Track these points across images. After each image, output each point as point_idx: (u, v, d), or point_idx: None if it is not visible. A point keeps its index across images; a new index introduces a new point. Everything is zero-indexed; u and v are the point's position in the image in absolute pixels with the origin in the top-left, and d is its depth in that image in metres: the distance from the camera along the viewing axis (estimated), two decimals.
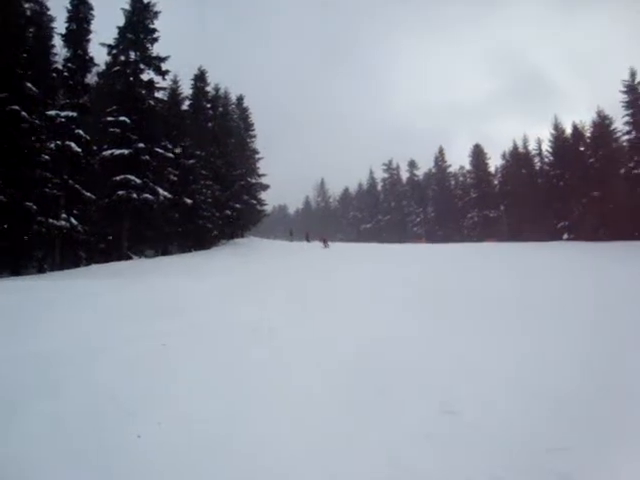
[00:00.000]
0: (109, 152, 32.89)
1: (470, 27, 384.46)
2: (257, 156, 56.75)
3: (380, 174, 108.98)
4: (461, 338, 8.77)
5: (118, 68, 35.55)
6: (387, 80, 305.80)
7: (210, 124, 46.86)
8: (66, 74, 30.85)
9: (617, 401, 5.67)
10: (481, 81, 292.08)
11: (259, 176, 56.12)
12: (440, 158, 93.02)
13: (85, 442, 4.81)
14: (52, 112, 29.22)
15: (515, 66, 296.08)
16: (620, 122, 52.60)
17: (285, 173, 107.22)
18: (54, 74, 31.07)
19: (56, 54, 32.27)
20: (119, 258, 31.45)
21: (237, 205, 48.24)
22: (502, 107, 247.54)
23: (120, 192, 32.29)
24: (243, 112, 56.17)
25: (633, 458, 4.43)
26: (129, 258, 32.59)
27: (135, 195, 32.58)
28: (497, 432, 4.97)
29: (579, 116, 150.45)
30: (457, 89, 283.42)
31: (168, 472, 4.31)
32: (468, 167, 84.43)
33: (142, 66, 36.08)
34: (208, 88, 48.39)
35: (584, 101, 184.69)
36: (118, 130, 33.43)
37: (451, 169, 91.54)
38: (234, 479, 4.19)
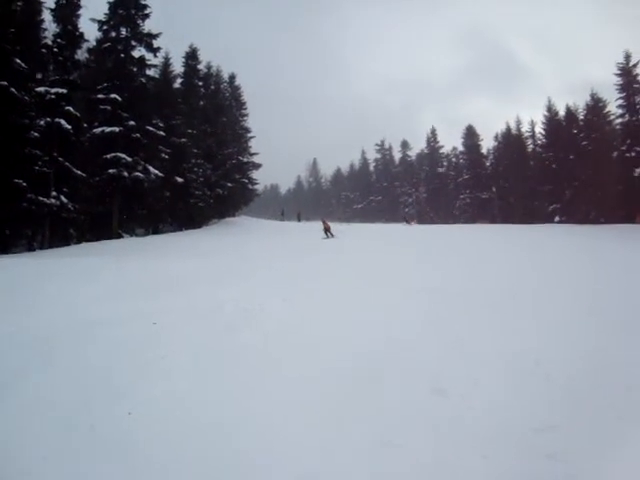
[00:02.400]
0: (100, 130, 32.67)
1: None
2: (249, 135, 56.25)
3: (372, 154, 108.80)
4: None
5: (109, 44, 35.15)
6: (351, 58, 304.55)
7: (202, 102, 46.51)
8: (56, 50, 30.48)
9: (610, 382, 5.74)
10: (447, 58, 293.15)
11: (251, 155, 55.61)
12: (432, 139, 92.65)
13: (76, 415, 4.88)
14: (41, 88, 28.90)
15: (482, 43, 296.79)
16: (614, 105, 52.56)
17: (277, 152, 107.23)
18: (43, 50, 30.57)
19: (45, 29, 31.66)
20: (110, 237, 31.40)
21: (229, 184, 47.94)
22: (470, 85, 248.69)
23: (111, 170, 32.16)
24: (235, 90, 55.58)
25: (622, 438, 4.49)
26: (120, 237, 32.57)
27: (126, 173, 32.46)
28: (486, 412, 5.02)
29: (546, 95, 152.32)
30: (423, 67, 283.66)
31: (157, 446, 4.38)
32: (461, 148, 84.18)
33: (133, 43, 35.73)
34: (200, 66, 47.89)
35: (553, 79, 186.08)
36: (109, 107, 33.17)
37: (443, 150, 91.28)
38: (224, 457, 4.23)
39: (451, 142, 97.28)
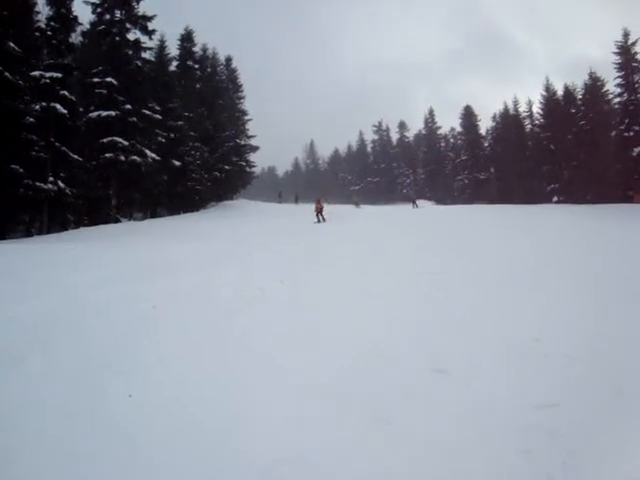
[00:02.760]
0: (96, 114, 32.55)
1: None
2: (246, 117, 56.16)
3: (370, 135, 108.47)
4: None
5: (103, 27, 34.91)
6: (347, 40, 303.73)
7: (198, 85, 46.29)
8: (49, 33, 30.24)
9: (610, 360, 5.78)
10: (441, 39, 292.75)
11: (248, 137, 55.55)
12: (430, 119, 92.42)
13: (76, 399, 4.92)
14: (36, 73, 28.69)
15: (472, 23, 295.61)
16: (612, 84, 52.28)
17: (275, 135, 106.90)
18: (37, 33, 30.37)
19: (39, 12, 31.37)
20: (107, 221, 31.43)
21: (226, 167, 47.90)
22: (464, 65, 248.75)
23: (108, 154, 32.10)
24: (232, 73, 55.27)
25: (622, 415, 4.54)
26: (117, 221, 32.60)
27: (123, 157, 32.42)
28: (487, 390, 5.06)
29: (541, 75, 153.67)
30: (418, 48, 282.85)
31: (158, 429, 4.43)
32: (459, 129, 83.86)
33: (128, 25, 35.55)
34: (195, 48, 47.56)
35: (548, 58, 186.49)
36: (104, 91, 33.02)
37: (441, 131, 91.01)
38: (223, 440, 4.28)
39: (445, 123, 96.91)
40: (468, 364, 5.73)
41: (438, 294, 9.11)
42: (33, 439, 4.24)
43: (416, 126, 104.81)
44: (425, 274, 11.01)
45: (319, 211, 28.57)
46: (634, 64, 49.53)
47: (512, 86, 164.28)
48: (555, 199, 54.92)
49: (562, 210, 35.82)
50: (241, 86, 55.80)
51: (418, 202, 47.91)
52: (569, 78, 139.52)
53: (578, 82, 57.07)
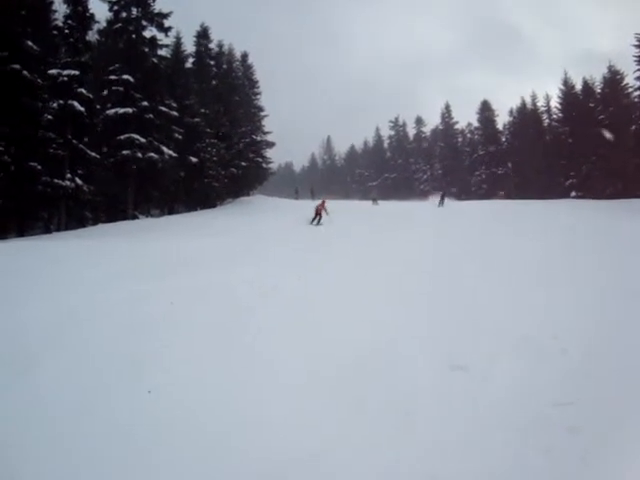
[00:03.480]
0: (113, 111, 32.70)
1: None
2: (262, 113, 55.97)
3: (386, 131, 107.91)
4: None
5: (120, 25, 35.04)
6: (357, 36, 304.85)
7: (214, 82, 46.35)
8: (67, 32, 30.42)
9: (626, 357, 5.69)
10: (444, 32, 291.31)
11: (264, 134, 55.39)
12: (447, 114, 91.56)
13: (94, 396, 4.92)
14: (53, 71, 28.88)
15: (480, 16, 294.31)
16: (631, 77, 51.52)
17: (291, 131, 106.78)
18: (54, 32, 30.64)
19: (56, 11, 31.68)
20: (125, 218, 31.61)
21: (243, 163, 47.95)
22: (469, 59, 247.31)
23: (125, 152, 32.23)
24: (247, 69, 55.21)
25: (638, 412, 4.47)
26: (135, 218, 32.78)
27: (140, 154, 32.54)
28: (505, 387, 5.01)
29: (553, 68, 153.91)
30: (427, 43, 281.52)
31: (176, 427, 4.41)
32: (476, 124, 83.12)
33: (144, 23, 35.59)
34: (211, 45, 47.66)
35: (556, 51, 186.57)
36: (121, 89, 33.15)
37: (458, 126, 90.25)
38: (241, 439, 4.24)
39: (459, 118, 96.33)
40: (485, 360, 5.67)
41: (453, 291, 9.05)
42: (43, 441, 4.22)
43: (431, 121, 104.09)
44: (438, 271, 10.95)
45: (318, 212, 25.25)
46: None
47: (523, 80, 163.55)
48: (573, 194, 54.27)
49: (581, 205, 35.47)
50: (257, 82, 55.73)
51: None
52: (580, 71, 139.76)
53: (595, 75, 56.45)
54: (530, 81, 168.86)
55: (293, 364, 5.77)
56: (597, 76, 55.88)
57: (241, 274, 10.91)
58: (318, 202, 27.56)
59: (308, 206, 40.76)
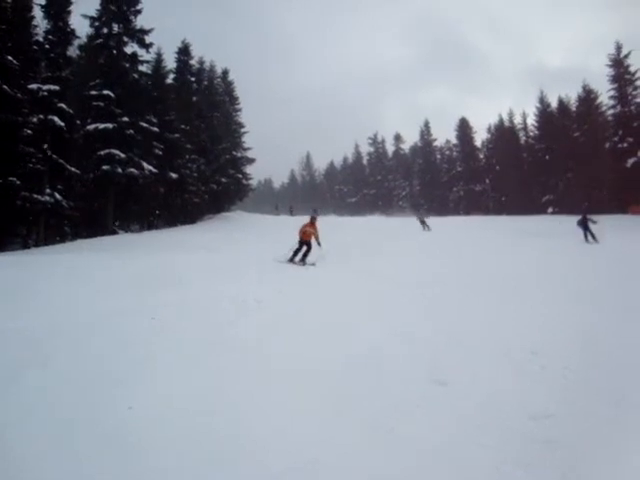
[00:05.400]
0: (93, 126, 32.62)
1: None
2: (242, 130, 56.15)
3: (366, 148, 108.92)
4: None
5: (101, 41, 35.09)
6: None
7: (195, 98, 46.41)
8: (47, 47, 30.54)
9: (605, 371, 5.83)
10: (400, 49, 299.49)
11: (244, 150, 55.54)
12: (426, 131, 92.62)
13: (76, 412, 4.90)
14: (34, 85, 28.83)
15: (434, 32, 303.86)
16: (605, 96, 52.96)
17: (271, 147, 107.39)
18: (35, 47, 30.64)
19: (36, 26, 31.59)
20: (105, 233, 31.38)
21: (223, 179, 47.98)
22: (425, 75, 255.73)
23: (105, 167, 32.11)
24: (228, 86, 55.42)
25: (622, 426, 4.57)
26: (115, 233, 32.55)
27: (120, 170, 32.42)
28: (484, 400, 5.10)
29: (503, 83, 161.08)
30: (382, 60, 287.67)
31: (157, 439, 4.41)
32: (454, 141, 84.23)
33: (125, 39, 35.70)
34: (192, 61, 47.91)
35: (508, 67, 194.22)
36: (102, 104, 33.11)
37: (437, 143, 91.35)
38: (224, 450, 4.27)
39: (414, 135, 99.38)
40: (466, 374, 5.80)
41: (436, 306, 9.18)
42: (21, 461, 4.20)
43: (388, 134, 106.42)
44: (423, 285, 11.09)
45: (305, 239, 16.46)
46: (627, 76, 50.15)
47: (478, 95, 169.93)
48: (550, 210, 55.25)
49: (558, 221, 36.01)
50: (237, 99, 56.00)
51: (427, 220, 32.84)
52: (532, 86, 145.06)
53: (548, 91, 58.29)
54: (485, 96, 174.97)
55: (276, 378, 5.82)
56: (550, 92, 57.79)
57: (224, 289, 10.92)
58: (305, 222, 17.29)
59: (288, 223, 40.88)
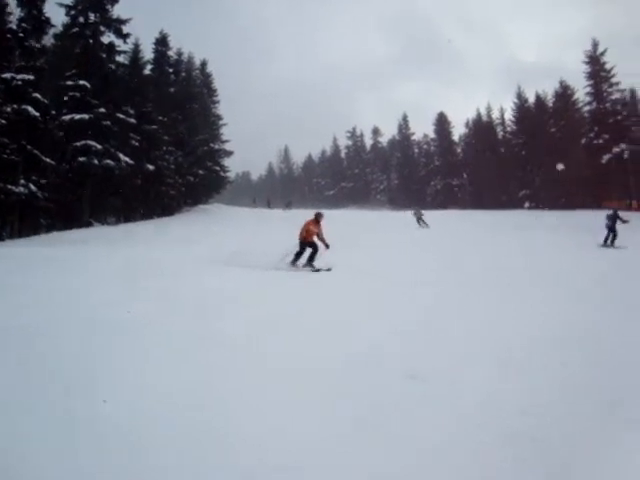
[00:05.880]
0: (69, 117, 32.18)
1: None
2: (221, 122, 55.87)
3: (344, 141, 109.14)
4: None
5: (77, 30, 34.53)
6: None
7: (172, 89, 46.05)
8: (21, 35, 29.84)
9: (590, 366, 5.92)
10: (378, 44, 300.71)
11: (222, 142, 55.24)
12: (404, 125, 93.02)
13: (52, 405, 4.83)
14: (7, 75, 28.30)
15: (411, 28, 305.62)
16: (582, 93, 53.81)
17: (249, 140, 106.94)
18: (8, 35, 29.91)
19: (10, 13, 30.80)
20: (80, 225, 31.04)
21: (200, 171, 47.83)
22: (404, 70, 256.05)
23: (81, 158, 31.73)
24: (207, 77, 55.00)
25: (606, 422, 4.62)
26: (90, 225, 32.21)
27: (96, 161, 32.06)
28: (484, 400, 5.11)
29: (477, 78, 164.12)
30: (360, 55, 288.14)
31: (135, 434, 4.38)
32: (432, 135, 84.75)
33: (102, 28, 35.18)
34: (170, 52, 47.57)
35: (484, 62, 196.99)
36: (78, 94, 32.66)
37: (415, 137, 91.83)
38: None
39: (393, 128, 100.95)
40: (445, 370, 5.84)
41: (422, 304, 9.24)
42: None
43: (367, 130, 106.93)
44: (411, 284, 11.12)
45: (308, 237, 13.91)
46: (602, 73, 50.90)
47: (456, 90, 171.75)
48: (527, 205, 55.97)
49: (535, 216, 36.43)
50: (216, 90, 55.63)
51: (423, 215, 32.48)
52: (508, 81, 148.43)
53: (524, 86, 59.23)
54: (463, 91, 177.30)
55: (256, 375, 5.77)
56: (526, 87, 59.09)
57: (204, 285, 10.88)
58: (307, 220, 14.50)
59: (265, 215, 40.74)
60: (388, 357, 6.25)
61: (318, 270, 13.18)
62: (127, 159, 34.46)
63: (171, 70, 47.26)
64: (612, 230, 19.58)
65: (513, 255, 15.78)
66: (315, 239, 13.93)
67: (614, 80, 51.24)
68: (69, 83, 32.76)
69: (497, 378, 5.61)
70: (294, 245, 13.97)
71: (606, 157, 48.29)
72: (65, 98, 33.03)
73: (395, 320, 8.06)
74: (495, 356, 6.30)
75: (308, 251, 13.85)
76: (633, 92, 56.66)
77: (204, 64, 55.36)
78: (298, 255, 13.83)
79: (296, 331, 7.42)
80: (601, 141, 49.40)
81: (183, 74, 49.96)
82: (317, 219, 14.32)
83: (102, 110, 32.96)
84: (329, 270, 13.04)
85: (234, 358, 6.29)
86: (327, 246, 13.83)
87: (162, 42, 46.01)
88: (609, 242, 19.52)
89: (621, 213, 20.53)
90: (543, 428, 4.42)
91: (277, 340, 7.00)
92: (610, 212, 20.24)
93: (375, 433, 4.44)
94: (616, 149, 47.94)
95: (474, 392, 5.19)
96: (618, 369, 5.93)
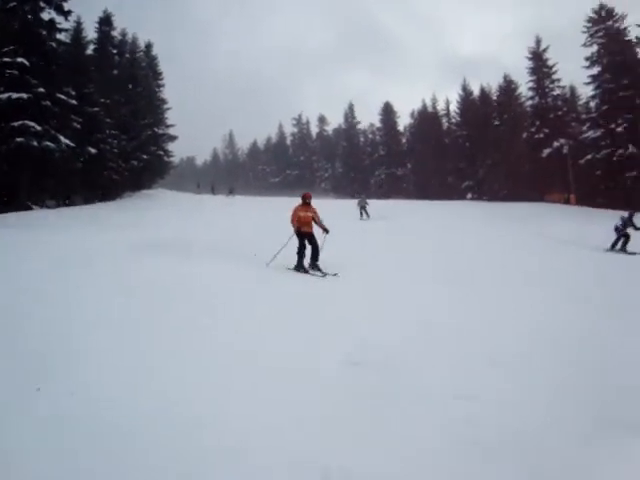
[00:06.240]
0: (5, 95, 30.86)
1: None
2: (165, 106, 55.03)
3: (290, 128, 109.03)
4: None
5: (14, 4, 32.99)
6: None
7: (115, 71, 44.96)
8: None
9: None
10: (321, 32, 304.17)
11: (167, 127, 54.53)
12: (350, 114, 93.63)
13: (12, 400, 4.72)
14: None
15: (351, 16, 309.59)
16: (525, 87, 55.55)
17: (193, 125, 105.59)
18: None
19: None
20: (17, 208, 30.01)
21: (144, 156, 47.06)
22: (349, 60, 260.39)
23: (18, 139, 30.56)
24: (152, 60, 53.96)
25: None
26: (29, 208, 31.20)
27: (35, 142, 30.95)
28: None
29: (421, 70, 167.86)
30: (300, 42, 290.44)
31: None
32: (378, 124, 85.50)
33: (42, 4, 33.75)
34: (114, 33, 46.30)
35: (427, 53, 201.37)
36: (16, 72, 31.33)
37: (360, 126, 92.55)
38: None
39: (339, 117, 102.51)
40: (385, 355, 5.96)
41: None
42: None
43: (313, 118, 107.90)
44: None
45: (306, 232, 12.38)
46: (545, 69, 52.60)
47: (401, 80, 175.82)
48: (469, 196, 57.40)
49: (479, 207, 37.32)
50: (161, 74, 54.62)
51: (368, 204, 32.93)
52: (451, 73, 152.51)
53: (473, 79, 60.85)
54: (408, 82, 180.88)
55: (221, 363, 5.71)
56: (469, 79, 60.75)
57: (150, 268, 10.81)
58: (296, 206, 12.90)
59: (209, 200, 40.33)
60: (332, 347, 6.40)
61: (325, 275, 11.58)
62: (68, 141, 33.41)
63: (115, 51, 46.15)
64: (624, 234, 18.25)
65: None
66: (313, 229, 12.49)
67: (555, 77, 53.46)
68: (6, 60, 31.34)
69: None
70: (289, 236, 12.49)
71: (546, 151, 50.04)
72: (1, 76, 31.71)
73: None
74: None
75: (310, 248, 12.25)
76: (573, 89, 58.96)
77: (149, 46, 54.21)
78: (301, 254, 12.14)
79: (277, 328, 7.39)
80: (542, 135, 51.16)
81: (127, 56, 48.83)
82: (305, 201, 12.68)
83: (41, 90, 31.79)
84: (336, 275, 11.48)
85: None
86: (326, 231, 12.51)
87: (106, 22, 44.79)
88: (618, 247, 18.27)
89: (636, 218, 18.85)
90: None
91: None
92: (625, 214, 18.96)
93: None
94: (556, 143, 49.69)
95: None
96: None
